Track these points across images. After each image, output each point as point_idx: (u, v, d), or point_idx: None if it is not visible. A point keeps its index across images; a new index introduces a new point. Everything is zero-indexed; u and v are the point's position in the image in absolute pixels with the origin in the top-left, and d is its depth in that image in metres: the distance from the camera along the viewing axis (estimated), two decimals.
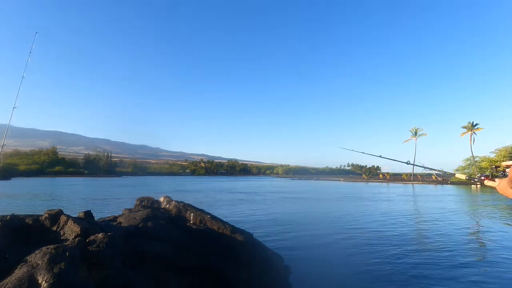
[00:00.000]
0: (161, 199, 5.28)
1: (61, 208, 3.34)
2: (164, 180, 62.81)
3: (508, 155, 45.40)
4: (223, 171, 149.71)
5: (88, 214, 3.70)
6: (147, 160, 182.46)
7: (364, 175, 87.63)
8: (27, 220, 3.14)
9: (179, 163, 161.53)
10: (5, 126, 6.29)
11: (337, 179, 71.10)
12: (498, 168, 1.83)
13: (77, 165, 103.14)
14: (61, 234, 3.05)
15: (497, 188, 1.56)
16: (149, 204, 5.18)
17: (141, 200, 5.28)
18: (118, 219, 4.35)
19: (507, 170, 1.49)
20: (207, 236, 4.24)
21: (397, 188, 35.39)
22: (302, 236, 7.74)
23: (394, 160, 3.18)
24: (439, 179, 54.19)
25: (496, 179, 1.68)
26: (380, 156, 3.26)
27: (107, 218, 4.58)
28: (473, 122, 49.59)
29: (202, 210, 4.83)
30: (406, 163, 2.83)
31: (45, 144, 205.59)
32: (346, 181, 62.71)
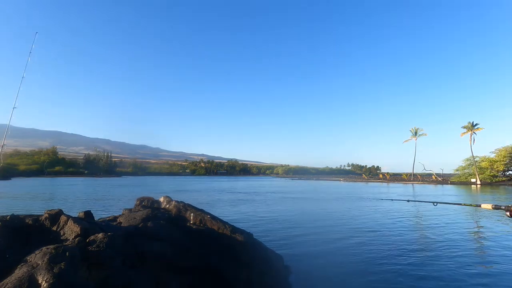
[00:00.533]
0: (161, 199, 5.27)
1: (61, 208, 3.34)
2: (164, 180, 62.82)
3: (508, 155, 45.43)
4: (223, 171, 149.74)
5: (88, 214, 3.70)
6: (147, 160, 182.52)
7: (364, 175, 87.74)
8: (27, 220, 3.14)
9: (179, 163, 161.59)
10: (5, 126, 6.29)
11: (337, 179, 71.11)
12: None
13: (77, 165, 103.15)
14: (61, 234, 3.05)
15: None
16: (149, 204, 5.18)
17: (141, 200, 5.28)
18: (118, 219, 4.35)
19: None
20: (207, 236, 4.24)
21: (397, 188, 35.39)
22: (302, 236, 7.74)
23: (421, 201, 3.80)
24: (439, 179, 54.20)
25: None
26: (408, 201, 4.01)
27: (107, 218, 4.58)
28: (473, 122, 49.59)
29: (202, 210, 4.83)
30: (433, 203, 2.93)
31: (45, 144, 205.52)
32: (346, 181, 62.72)
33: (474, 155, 48.83)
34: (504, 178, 45.97)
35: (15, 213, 3.19)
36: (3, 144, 6.17)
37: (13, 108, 6.46)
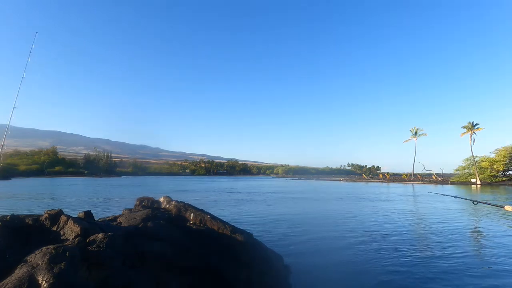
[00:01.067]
0: (161, 199, 5.27)
1: (61, 208, 3.34)
2: (164, 180, 62.82)
3: (508, 155, 45.43)
4: (223, 171, 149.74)
5: (88, 214, 3.70)
6: (147, 160, 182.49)
7: (364, 175, 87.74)
8: (27, 220, 3.13)
9: (179, 163, 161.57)
10: (5, 126, 6.29)
11: (337, 179, 71.11)
12: None
13: (77, 165, 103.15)
14: (61, 234, 3.05)
15: None
16: (149, 204, 5.18)
17: (141, 200, 5.27)
18: (118, 219, 4.35)
19: None
20: (207, 236, 4.24)
21: (397, 188, 35.39)
22: (302, 236, 7.74)
23: (489, 203, 3.31)
24: (439, 179, 54.20)
25: None
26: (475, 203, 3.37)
27: (107, 218, 4.58)
28: (473, 122, 49.59)
29: (202, 210, 4.83)
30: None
31: (45, 144, 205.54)
32: (346, 181, 62.72)
33: (474, 155, 48.87)
34: (504, 178, 45.98)
35: (15, 213, 3.19)
36: (3, 144, 6.17)
37: (13, 108, 6.46)
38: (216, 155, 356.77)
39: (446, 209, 14.02)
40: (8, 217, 3.03)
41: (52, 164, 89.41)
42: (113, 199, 17.91)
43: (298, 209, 14.17)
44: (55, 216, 3.23)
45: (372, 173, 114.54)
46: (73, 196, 19.88)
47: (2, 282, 2.16)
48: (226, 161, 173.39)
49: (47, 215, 3.22)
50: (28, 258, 2.44)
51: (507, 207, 2.32)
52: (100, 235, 2.93)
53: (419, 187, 37.28)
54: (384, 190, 30.07)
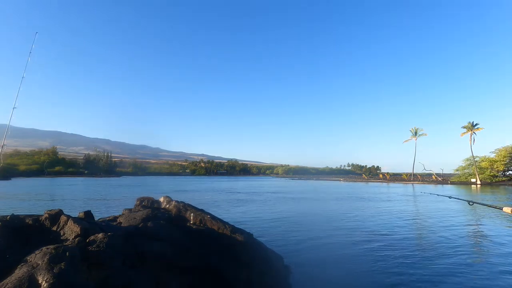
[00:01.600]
0: (161, 199, 5.27)
1: (61, 208, 3.34)
2: (164, 180, 62.81)
3: (508, 155, 45.42)
4: (223, 171, 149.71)
5: (88, 214, 3.70)
6: (147, 160, 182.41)
7: (364, 175, 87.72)
8: (27, 220, 3.14)
9: (179, 163, 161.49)
10: (5, 126, 6.28)
11: (337, 179, 71.10)
12: None
13: (77, 165, 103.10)
14: (61, 234, 3.05)
15: None
16: (149, 204, 5.18)
17: (141, 200, 5.28)
18: (118, 219, 4.35)
19: None
20: (207, 236, 4.24)
21: (397, 188, 35.38)
22: (302, 236, 7.74)
23: (485, 204, 3.19)
24: (439, 179, 54.20)
25: None
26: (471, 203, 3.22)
27: (107, 218, 4.58)
28: (473, 122, 49.57)
29: (202, 210, 4.83)
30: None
31: (45, 144, 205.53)
32: (346, 181, 62.71)
33: (474, 155, 48.84)
34: (504, 178, 45.96)
35: (15, 213, 3.19)
36: (3, 144, 6.16)
37: (13, 108, 6.45)
38: (216, 155, 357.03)
39: (446, 209, 14.02)
40: (8, 217, 3.03)
41: (52, 164, 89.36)
42: (113, 199, 17.91)
43: (298, 209, 14.17)
44: (55, 216, 3.24)
45: (372, 173, 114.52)
46: (73, 196, 19.87)
47: (2, 282, 2.16)
48: (226, 161, 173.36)
49: (47, 215, 3.23)
50: (28, 258, 2.45)
51: (505, 209, 2.25)
52: (100, 235, 2.93)
53: (419, 187, 37.27)
54: (384, 190, 30.06)
